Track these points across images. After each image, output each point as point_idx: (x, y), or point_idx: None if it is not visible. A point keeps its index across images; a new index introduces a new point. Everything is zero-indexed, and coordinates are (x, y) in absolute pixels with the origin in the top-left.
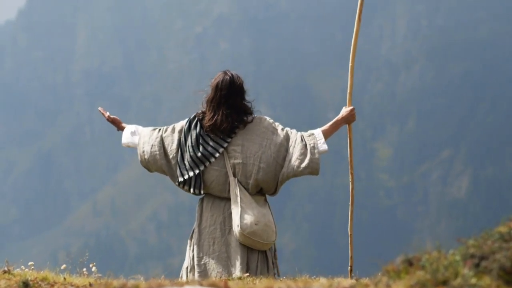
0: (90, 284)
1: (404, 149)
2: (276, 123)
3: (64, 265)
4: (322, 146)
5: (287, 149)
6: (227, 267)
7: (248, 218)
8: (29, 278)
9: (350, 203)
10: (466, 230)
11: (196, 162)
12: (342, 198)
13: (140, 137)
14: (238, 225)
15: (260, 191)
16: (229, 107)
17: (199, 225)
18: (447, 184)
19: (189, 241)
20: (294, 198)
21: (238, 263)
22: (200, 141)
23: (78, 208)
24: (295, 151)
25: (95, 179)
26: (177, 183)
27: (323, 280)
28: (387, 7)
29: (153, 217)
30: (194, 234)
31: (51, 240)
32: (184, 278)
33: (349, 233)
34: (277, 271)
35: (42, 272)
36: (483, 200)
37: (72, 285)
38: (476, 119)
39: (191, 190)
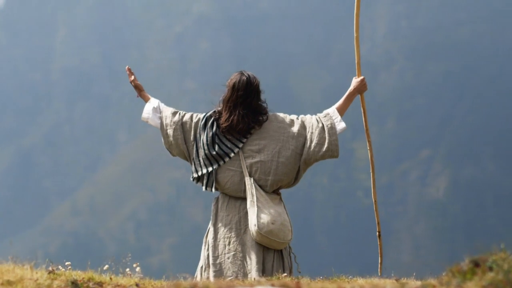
0: (137, 284)
1: (383, 149)
2: (291, 115)
3: (106, 265)
4: (340, 124)
5: (305, 137)
6: (243, 266)
7: (265, 218)
8: (76, 278)
9: (371, 170)
10: (445, 231)
11: (210, 160)
12: (320, 198)
13: (162, 117)
14: (255, 225)
15: (276, 190)
16: (246, 108)
17: (214, 224)
18: (426, 185)
19: (204, 240)
20: None
21: (254, 263)
22: (216, 140)
23: (57, 207)
24: (313, 136)
25: (74, 178)
26: (191, 178)
27: (360, 280)
28: (367, 8)
29: (132, 216)
30: (209, 233)
31: (29, 239)
32: (199, 277)
33: (373, 200)
34: (298, 268)
35: (86, 272)
36: (462, 201)
37: (118, 285)
38: (455, 120)
39: (204, 187)
